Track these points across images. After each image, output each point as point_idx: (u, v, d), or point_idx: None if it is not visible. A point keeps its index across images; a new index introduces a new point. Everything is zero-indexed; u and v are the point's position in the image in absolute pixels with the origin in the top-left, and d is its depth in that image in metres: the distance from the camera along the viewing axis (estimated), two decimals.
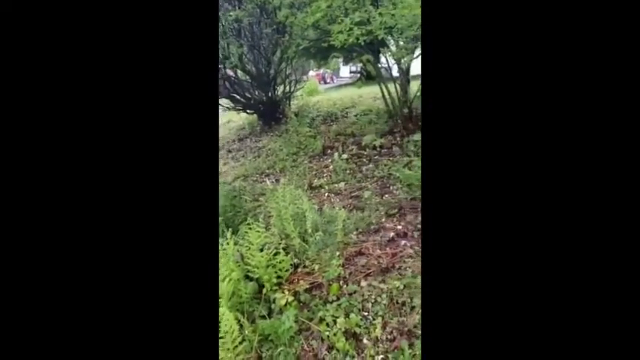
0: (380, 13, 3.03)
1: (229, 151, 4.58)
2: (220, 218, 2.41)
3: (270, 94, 5.40)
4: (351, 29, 3.10)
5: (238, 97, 5.16)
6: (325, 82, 14.50)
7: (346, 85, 11.90)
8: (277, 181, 3.33)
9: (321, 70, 14.15)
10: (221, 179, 3.44)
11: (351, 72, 14.69)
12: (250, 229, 1.85)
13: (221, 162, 4.23)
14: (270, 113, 5.50)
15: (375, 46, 4.01)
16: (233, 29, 4.57)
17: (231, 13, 4.19)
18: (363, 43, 3.33)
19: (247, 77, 5.20)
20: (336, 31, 3.17)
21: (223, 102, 5.21)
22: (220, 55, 4.30)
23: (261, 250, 1.79)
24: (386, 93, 4.07)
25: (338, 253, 1.91)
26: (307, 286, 1.73)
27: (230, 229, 1.90)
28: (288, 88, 5.63)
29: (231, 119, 6.68)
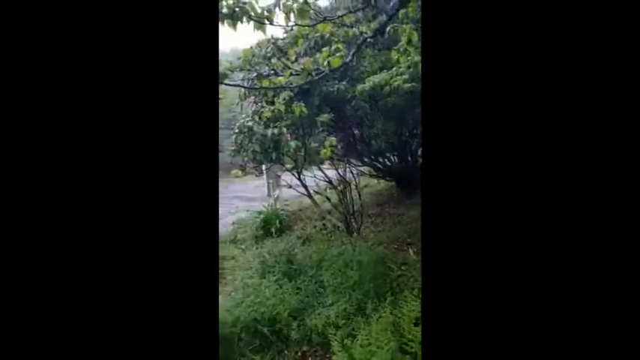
0: None
1: (369, 216, 4.82)
2: (369, 284, 2.55)
3: (408, 162, 5.58)
4: None
5: (378, 164, 5.50)
6: None
7: None
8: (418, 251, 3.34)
9: None
10: (364, 243, 3.63)
11: None
12: (405, 300, 1.93)
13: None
14: (409, 181, 5.63)
15: None
16: None
17: None
18: None
19: (387, 145, 5.53)
20: None
21: (364, 169, 5.61)
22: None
23: (416, 325, 1.83)
24: None
25: None
26: None
27: (385, 298, 2.01)
28: None
29: (368, 184, 7.06)
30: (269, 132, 3.36)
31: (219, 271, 3.74)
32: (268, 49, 2.86)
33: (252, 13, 1.27)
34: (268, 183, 6.02)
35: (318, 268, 3.01)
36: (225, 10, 1.17)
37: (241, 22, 1.23)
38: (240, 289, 2.93)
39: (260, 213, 4.95)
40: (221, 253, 4.14)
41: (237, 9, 1.18)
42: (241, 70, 2.42)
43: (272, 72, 2.62)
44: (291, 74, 1.91)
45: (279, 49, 2.60)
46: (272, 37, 2.98)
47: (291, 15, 1.34)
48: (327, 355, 2.29)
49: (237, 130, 3.66)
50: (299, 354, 2.38)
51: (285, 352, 2.40)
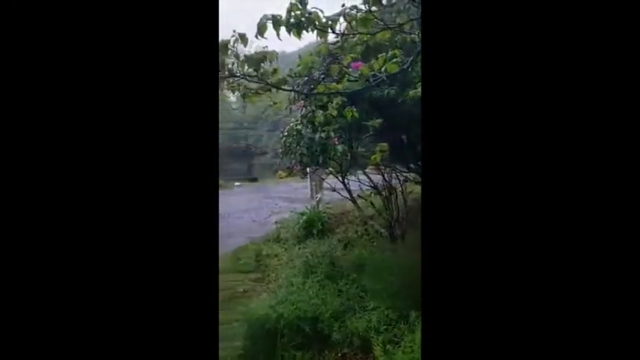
0: None
1: (413, 223, 4.74)
2: (412, 292, 2.52)
3: None
4: None
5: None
6: None
7: None
8: None
9: None
10: (407, 250, 3.58)
11: None
12: None
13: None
14: None
15: None
16: None
17: None
18: None
19: None
20: None
21: (410, 175, 5.52)
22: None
23: None
24: None
25: None
26: None
27: None
28: None
29: (413, 190, 6.93)
30: (317, 136, 3.43)
31: (263, 267, 3.87)
32: (325, 56, 2.93)
33: (317, 22, 1.33)
34: (312, 185, 6.11)
35: (359, 272, 3.03)
36: (292, 20, 1.24)
37: (307, 31, 1.30)
38: (284, 287, 3.02)
39: (303, 214, 5.05)
40: (265, 251, 4.28)
41: (303, 19, 1.24)
42: (300, 75, 2.50)
43: (326, 77, 2.69)
44: (348, 80, 1.95)
45: (335, 56, 2.66)
46: (329, 44, 3.04)
47: (353, 23, 1.38)
48: (367, 359, 2.29)
49: (285, 133, 3.77)
50: (339, 355, 2.41)
51: (326, 352, 2.44)
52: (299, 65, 2.52)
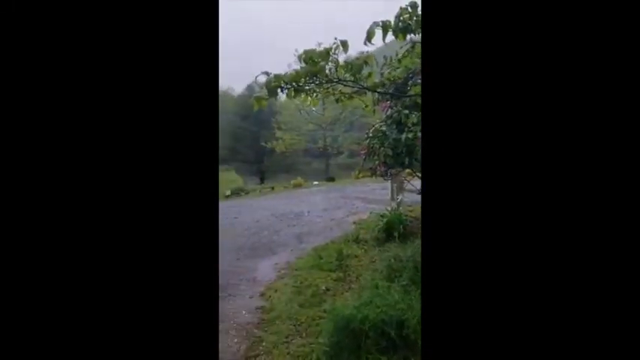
0: None
1: None
2: None
3: None
4: None
5: None
6: None
7: None
8: None
9: None
10: None
11: None
12: None
13: None
14: None
15: None
16: None
17: None
18: None
19: None
20: None
21: None
22: None
23: None
24: None
25: None
26: None
27: None
28: None
29: None
30: (403, 136, 3.37)
31: (344, 267, 3.92)
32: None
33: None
34: (392, 186, 6.00)
35: None
36: (400, 25, 1.24)
37: (414, 34, 1.29)
38: (368, 289, 3.02)
39: (383, 216, 4.98)
40: (345, 251, 4.33)
41: (410, 22, 1.23)
42: (398, 79, 2.49)
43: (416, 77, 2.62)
44: None
45: None
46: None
47: None
48: None
49: (370, 135, 3.76)
50: None
51: (412, 358, 2.38)
52: (397, 68, 2.49)
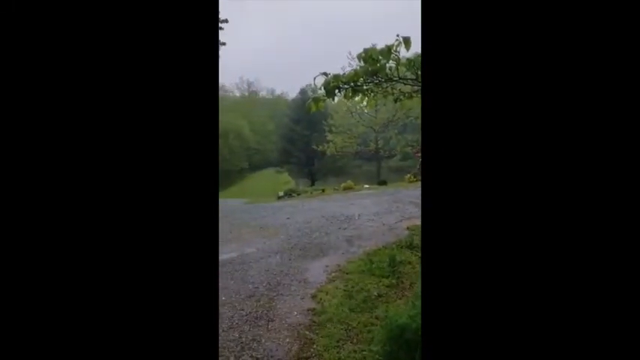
0: None
1: None
2: None
3: None
4: None
5: None
6: None
7: None
8: None
9: None
10: None
11: None
12: None
13: None
14: None
15: None
16: None
17: None
18: None
19: None
20: None
21: None
22: None
23: None
24: None
25: None
26: None
27: None
28: None
29: None
30: None
31: (397, 273, 3.79)
32: None
33: None
34: None
35: None
36: None
37: None
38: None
39: None
40: (398, 257, 4.19)
41: None
42: None
43: None
44: None
45: None
46: None
47: None
48: None
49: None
50: None
51: None
52: None
